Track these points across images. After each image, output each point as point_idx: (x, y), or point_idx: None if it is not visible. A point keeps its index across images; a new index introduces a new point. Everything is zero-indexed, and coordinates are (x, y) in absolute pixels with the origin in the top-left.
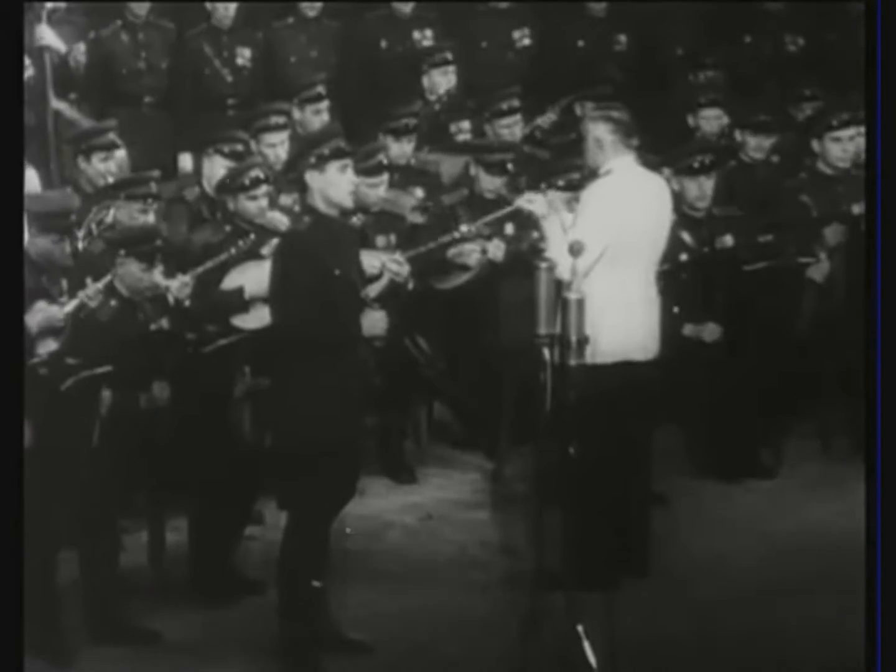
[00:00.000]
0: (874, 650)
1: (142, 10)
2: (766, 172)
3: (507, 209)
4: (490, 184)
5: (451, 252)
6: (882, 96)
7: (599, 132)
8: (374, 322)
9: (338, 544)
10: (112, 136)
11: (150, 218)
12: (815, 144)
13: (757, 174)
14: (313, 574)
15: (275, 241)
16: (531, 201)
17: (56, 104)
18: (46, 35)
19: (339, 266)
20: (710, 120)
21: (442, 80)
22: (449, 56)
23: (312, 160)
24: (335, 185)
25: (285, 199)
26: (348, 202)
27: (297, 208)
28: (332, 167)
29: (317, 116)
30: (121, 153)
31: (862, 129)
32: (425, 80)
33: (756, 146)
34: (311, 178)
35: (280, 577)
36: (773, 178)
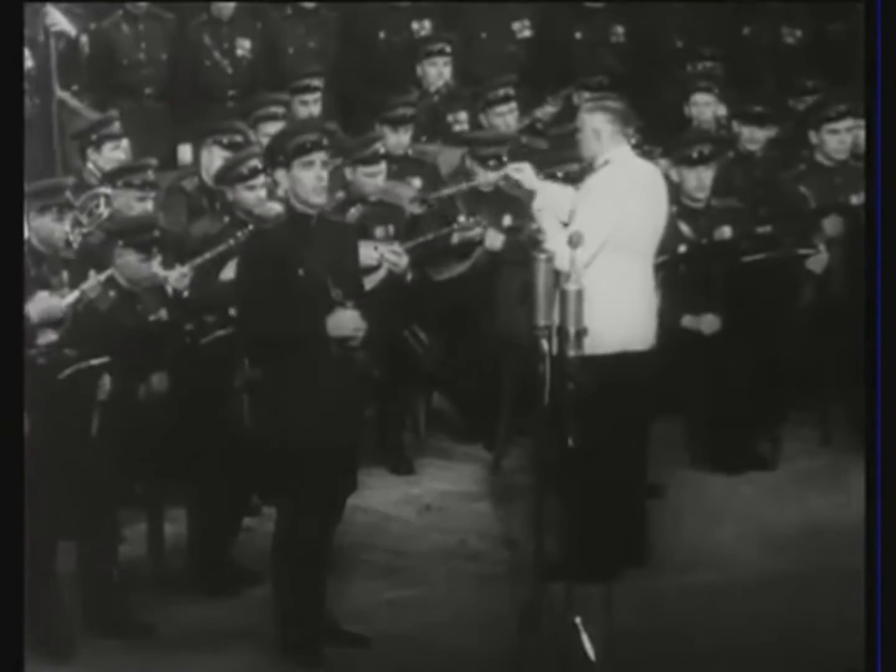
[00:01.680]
0: (874, 642)
1: (142, 1)
2: (763, 164)
3: (497, 174)
4: (485, 177)
5: (456, 239)
6: (882, 89)
7: (597, 123)
8: (342, 322)
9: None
10: (118, 125)
11: (149, 206)
12: (812, 136)
13: (753, 165)
14: (307, 568)
15: None
16: (520, 170)
17: (60, 94)
18: (59, 20)
19: (303, 265)
20: (700, 106)
21: (436, 71)
22: (446, 48)
23: (280, 158)
24: (300, 182)
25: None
26: (315, 199)
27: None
28: (296, 164)
29: (304, 108)
30: (126, 142)
31: (859, 122)
32: (420, 70)
33: (749, 137)
34: (280, 176)
35: (272, 573)
36: (771, 170)
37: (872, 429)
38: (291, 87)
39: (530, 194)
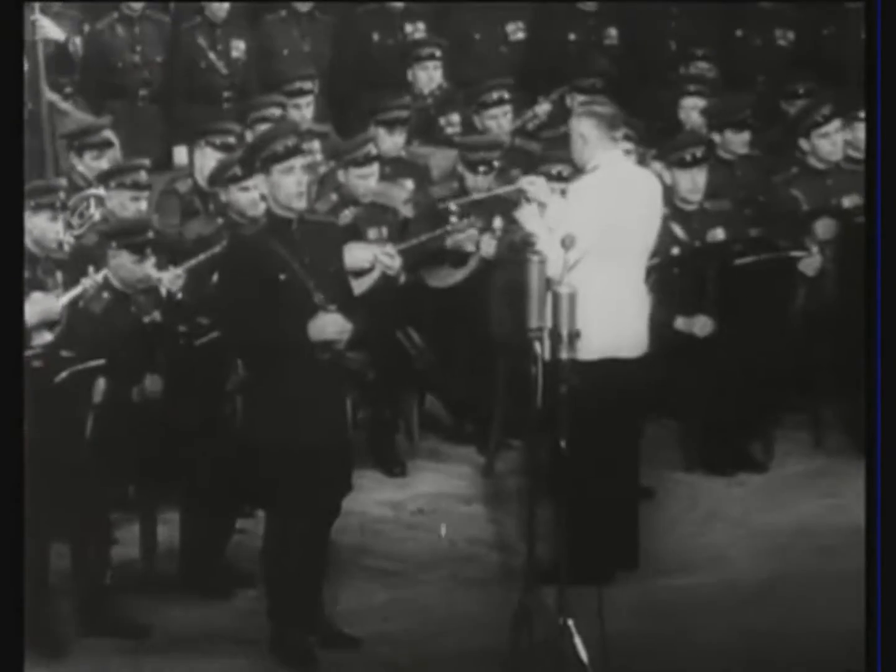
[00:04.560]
0: (874, 645)
1: (137, 3)
2: (755, 167)
3: (509, 188)
4: (474, 182)
5: (449, 242)
6: (881, 89)
7: (583, 128)
8: (324, 326)
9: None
10: (106, 133)
11: (142, 206)
12: (803, 143)
13: (746, 168)
14: (299, 570)
15: None
16: (533, 183)
17: (50, 96)
18: (45, 26)
19: (285, 270)
20: (688, 110)
21: (426, 75)
22: (436, 52)
23: (258, 164)
24: (281, 187)
25: None
26: (297, 204)
27: None
28: (276, 169)
29: (297, 111)
30: (114, 151)
31: (850, 122)
32: (410, 75)
33: (741, 141)
34: (258, 181)
35: (264, 575)
36: (764, 173)
37: (871, 429)
38: (284, 90)
39: (541, 208)
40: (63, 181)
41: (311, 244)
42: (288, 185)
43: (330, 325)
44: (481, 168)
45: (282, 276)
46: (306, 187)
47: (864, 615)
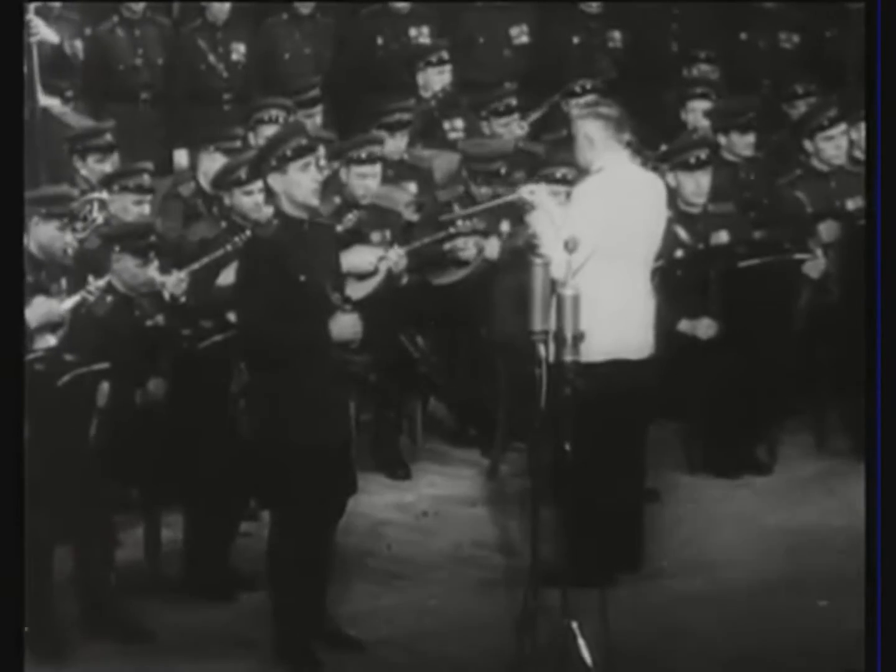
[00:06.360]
0: (874, 646)
1: (138, 5)
2: (759, 169)
3: (508, 198)
4: (478, 190)
5: (448, 247)
6: (882, 91)
7: (590, 129)
8: (344, 326)
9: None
10: (109, 137)
11: (145, 209)
12: (807, 145)
13: (750, 171)
14: (303, 572)
15: None
16: (533, 192)
17: (45, 100)
18: (40, 29)
19: (304, 271)
20: (697, 113)
21: (437, 79)
22: (445, 55)
23: (273, 163)
24: (298, 185)
25: None
26: (314, 200)
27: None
28: (293, 167)
29: (309, 120)
30: (116, 155)
31: (854, 125)
32: (420, 79)
33: (745, 143)
34: (273, 181)
35: (268, 576)
36: (768, 175)
37: (872, 431)
38: (295, 99)
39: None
40: (76, 191)
41: (321, 244)
42: (305, 182)
43: (349, 325)
44: (486, 178)
45: (302, 278)
46: (321, 184)
47: (864, 615)
